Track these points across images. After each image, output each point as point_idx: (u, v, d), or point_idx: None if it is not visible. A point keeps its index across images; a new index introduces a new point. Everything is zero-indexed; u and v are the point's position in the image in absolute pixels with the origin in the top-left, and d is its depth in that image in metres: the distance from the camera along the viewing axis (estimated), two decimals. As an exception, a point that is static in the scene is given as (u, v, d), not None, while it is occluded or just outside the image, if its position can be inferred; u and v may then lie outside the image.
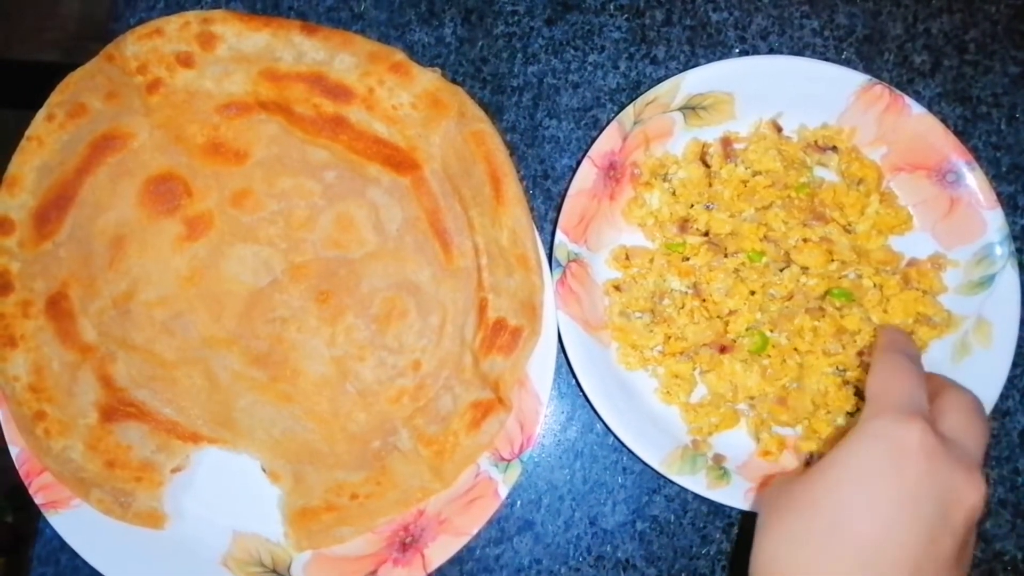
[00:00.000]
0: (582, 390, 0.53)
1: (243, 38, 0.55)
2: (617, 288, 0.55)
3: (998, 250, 0.53)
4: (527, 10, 0.61)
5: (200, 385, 0.54)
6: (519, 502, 0.56)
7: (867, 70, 0.58)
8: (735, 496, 0.51)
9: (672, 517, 0.56)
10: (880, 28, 0.61)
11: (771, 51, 0.60)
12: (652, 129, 0.56)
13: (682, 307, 0.54)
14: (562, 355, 0.53)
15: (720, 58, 0.58)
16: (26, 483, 0.53)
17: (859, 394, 0.52)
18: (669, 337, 0.54)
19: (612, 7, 0.61)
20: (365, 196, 0.55)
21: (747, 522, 0.56)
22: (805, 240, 0.53)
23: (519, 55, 0.61)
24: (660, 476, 0.53)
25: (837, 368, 0.53)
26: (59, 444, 0.52)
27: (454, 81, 0.56)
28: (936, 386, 0.44)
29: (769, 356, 0.53)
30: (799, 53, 0.60)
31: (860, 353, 0.52)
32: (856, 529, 0.38)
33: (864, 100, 0.55)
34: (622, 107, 0.56)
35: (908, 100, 0.54)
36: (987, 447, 0.41)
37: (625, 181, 0.56)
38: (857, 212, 0.54)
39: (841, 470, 0.39)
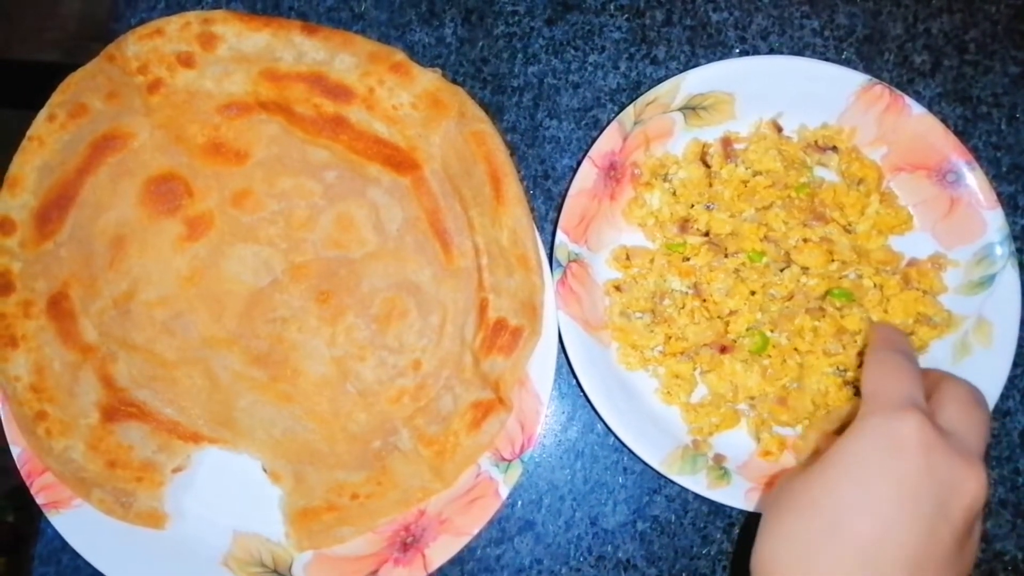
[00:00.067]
0: (583, 390, 0.53)
1: (243, 38, 0.55)
2: (617, 288, 0.55)
3: (998, 250, 0.53)
4: (527, 10, 0.61)
5: (201, 385, 0.54)
6: (520, 502, 0.56)
7: (867, 70, 0.58)
8: (736, 496, 0.51)
9: (673, 517, 0.56)
10: (880, 28, 0.61)
11: (771, 51, 0.60)
12: (652, 129, 0.56)
13: (682, 307, 0.54)
14: (562, 355, 0.53)
15: (720, 58, 0.58)
16: (27, 483, 0.53)
17: (859, 394, 0.52)
18: (669, 337, 0.54)
19: (612, 7, 0.61)
20: (365, 196, 0.55)
21: (748, 522, 0.56)
22: (805, 240, 0.53)
23: (519, 55, 0.61)
24: (661, 476, 0.53)
25: (837, 368, 0.53)
26: (60, 444, 0.52)
27: (454, 81, 0.56)
28: (934, 380, 0.44)
29: (769, 356, 0.53)
30: (799, 53, 0.60)
31: (860, 353, 0.52)
32: (855, 529, 0.38)
33: (864, 100, 0.55)
34: (622, 107, 0.56)
35: (908, 100, 0.54)
36: (988, 437, 0.41)
37: (625, 181, 0.56)
38: (857, 212, 0.54)
39: (839, 468, 0.39)
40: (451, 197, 0.54)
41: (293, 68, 0.54)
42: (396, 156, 0.54)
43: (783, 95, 0.56)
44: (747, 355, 0.53)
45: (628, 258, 0.56)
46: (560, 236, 0.54)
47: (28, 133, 0.54)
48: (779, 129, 0.57)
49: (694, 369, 0.54)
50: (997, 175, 0.59)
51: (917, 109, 0.54)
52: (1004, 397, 0.56)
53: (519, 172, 0.55)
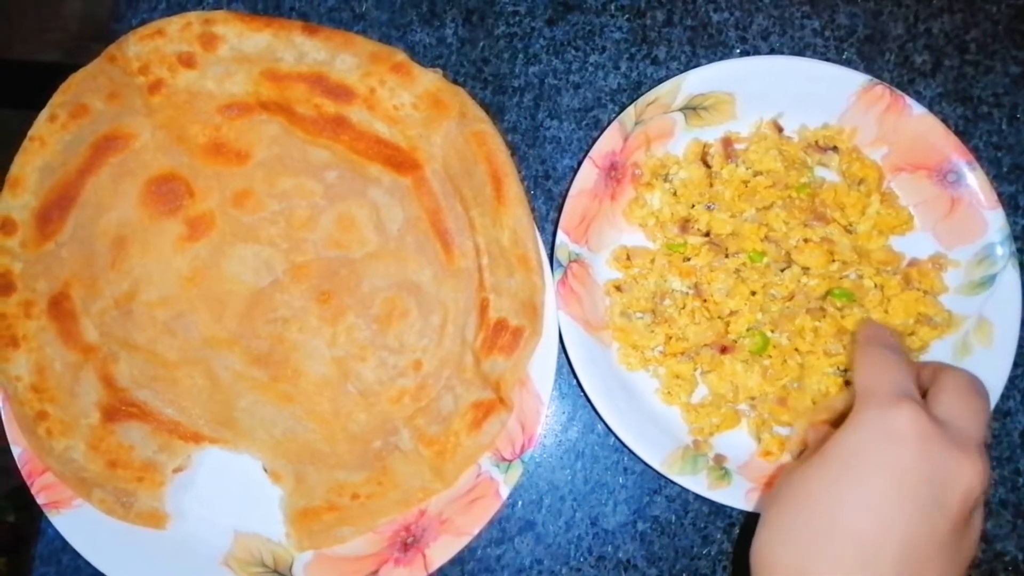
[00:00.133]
0: (583, 390, 0.53)
1: (244, 39, 0.55)
2: (618, 288, 0.55)
3: (999, 250, 0.53)
4: (528, 11, 0.61)
5: (201, 385, 0.54)
6: (520, 502, 0.56)
7: (868, 70, 0.58)
8: (736, 496, 0.51)
9: (673, 517, 0.56)
10: (881, 28, 0.61)
11: (772, 51, 0.60)
12: (653, 129, 0.56)
13: (683, 307, 0.54)
14: (563, 355, 0.53)
15: (721, 58, 0.58)
16: (28, 483, 0.53)
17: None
18: (670, 337, 0.54)
19: (613, 8, 0.61)
20: (366, 196, 0.55)
21: (748, 522, 0.56)
22: (806, 240, 0.53)
23: (520, 56, 0.61)
24: (661, 476, 0.53)
25: (838, 368, 0.53)
26: (61, 444, 0.52)
27: (455, 81, 0.56)
28: (933, 371, 0.44)
29: (770, 356, 0.53)
30: (800, 53, 0.60)
31: None
32: (852, 521, 0.38)
33: (865, 100, 0.55)
34: (623, 107, 0.56)
35: (909, 100, 0.54)
36: (988, 424, 0.41)
37: (626, 181, 0.56)
38: (858, 212, 0.54)
39: (836, 461, 0.39)
40: (452, 197, 0.54)
41: (294, 68, 0.54)
42: (397, 156, 0.55)
43: (784, 95, 0.56)
44: (748, 355, 0.53)
45: (629, 258, 0.56)
46: (561, 236, 0.54)
47: (29, 133, 0.54)
48: (780, 129, 0.57)
49: (695, 369, 0.54)
50: (998, 175, 0.59)
51: (918, 109, 0.54)
52: (1004, 397, 0.56)
53: (520, 172, 0.55)
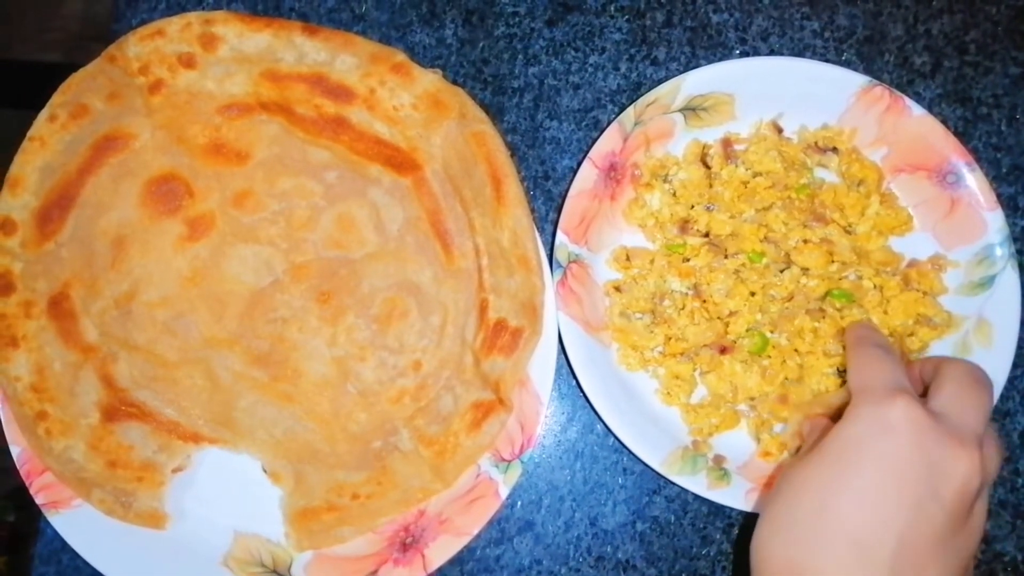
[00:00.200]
0: (583, 391, 0.53)
1: (244, 39, 0.55)
2: (618, 289, 0.55)
3: (998, 251, 0.53)
4: (528, 11, 0.61)
5: (201, 385, 0.54)
6: (520, 502, 0.56)
7: (867, 71, 0.58)
8: (735, 497, 0.51)
9: (672, 518, 0.56)
10: (880, 29, 0.61)
11: (772, 52, 0.61)
12: (653, 130, 0.56)
13: (682, 308, 0.54)
14: (563, 356, 0.53)
15: (721, 59, 0.58)
16: (27, 483, 0.53)
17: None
18: (669, 338, 0.54)
19: (613, 8, 0.61)
20: (366, 196, 0.55)
21: (748, 522, 0.56)
22: (805, 241, 0.53)
23: (520, 56, 0.61)
24: (660, 477, 0.53)
25: (837, 369, 0.53)
26: (60, 444, 0.52)
27: (455, 82, 0.56)
28: (934, 365, 0.44)
29: (769, 357, 0.53)
30: (799, 54, 0.60)
31: None
32: (844, 511, 0.38)
33: (864, 101, 0.55)
34: (623, 108, 0.56)
35: (908, 101, 0.54)
36: (988, 414, 0.41)
37: (626, 182, 0.56)
38: (857, 213, 0.54)
39: (831, 454, 0.40)
40: (452, 198, 0.54)
41: (294, 69, 0.54)
42: (397, 157, 0.55)
43: (783, 96, 0.56)
44: (747, 356, 0.53)
45: (628, 259, 0.56)
46: (560, 237, 0.54)
47: (29, 134, 0.54)
48: (779, 130, 0.57)
49: (694, 370, 0.54)
50: (997, 176, 0.59)
51: (917, 110, 0.54)
52: (1004, 398, 0.56)
53: (519, 173, 0.55)
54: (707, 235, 0.55)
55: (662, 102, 0.55)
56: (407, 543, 0.53)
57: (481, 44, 0.61)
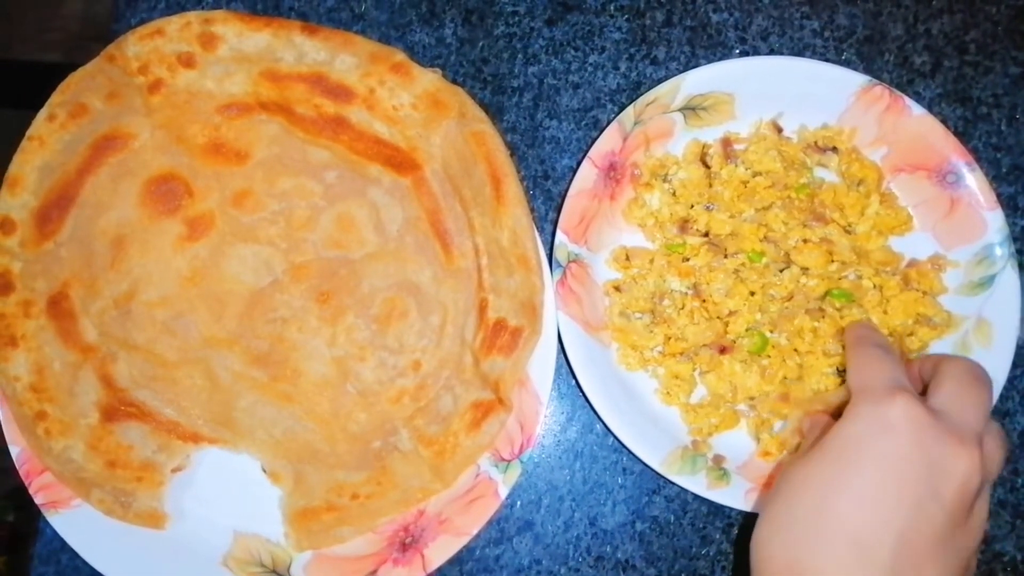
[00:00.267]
0: (582, 391, 0.53)
1: (244, 38, 0.55)
2: (617, 289, 0.55)
3: (998, 251, 0.53)
4: (528, 11, 0.61)
5: (201, 385, 0.54)
6: (519, 502, 0.56)
7: (867, 71, 0.58)
8: (735, 497, 0.51)
9: (672, 518, 0.56)
10: (880, 29, 0.61)
11: (771, 52, 0.60)
12: (652, 130, 0.56)
13: (682, 308, 0.54)
14: (562, 356, 0.53)
15: (720, 59, 0.58)
16: (26, 483, 0.53)
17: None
18: (669, 338, 0.54)
19: (612, 8, 0.61)
20: (366, 196, 0.55)
21: (748, 523, 0.56)
22: (805, 241, 0.53)
23: (519, 56, 0.61)
24: (660, 477, 0.53)
25: (836, 369, 0.53)
26: (60, 444, 0.52)
27: (454, 82, 0.56)
28: (933, 363, 0.44)
29: (769, 357, 0.53)
30: (799, 54, 0.60)
31: None
32: (842, 509, 0.38)
33: (864, 101, 0.55)
34: (622, 108, 0.56)
35: (908, 101, 0.54)
36: (988, 411, 0.41)
37: (625, 182, 0.56)
38: (857, 213, 0.54)
39: (830, 453, 0.40)
40: (451, 197, 0.54)
41: (294, 68, 0.54)
42: (396, 156, 0.55)
43: (783, 96, 0.56)
44: (746, 356, 0.53)
45: (628, 258, 0.56)
46: (560, 236, 0.54)
47: (28, 133, 0.54)
48: (779, 130, 0.57)
49: (693, 370, 0.54)
50: (997, 176, 0.59)
51: (917, 110, 0.54)
52: (1004, 398, 0.56)
53: (519, 172, 0.55)
54: (707, 235, 0.55)
55: (662, 101, 0.55)
56: (407, 543, 0.53)
57: (481, 43, 0.61)
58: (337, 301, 0.54)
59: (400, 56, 0.54)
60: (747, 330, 0.53)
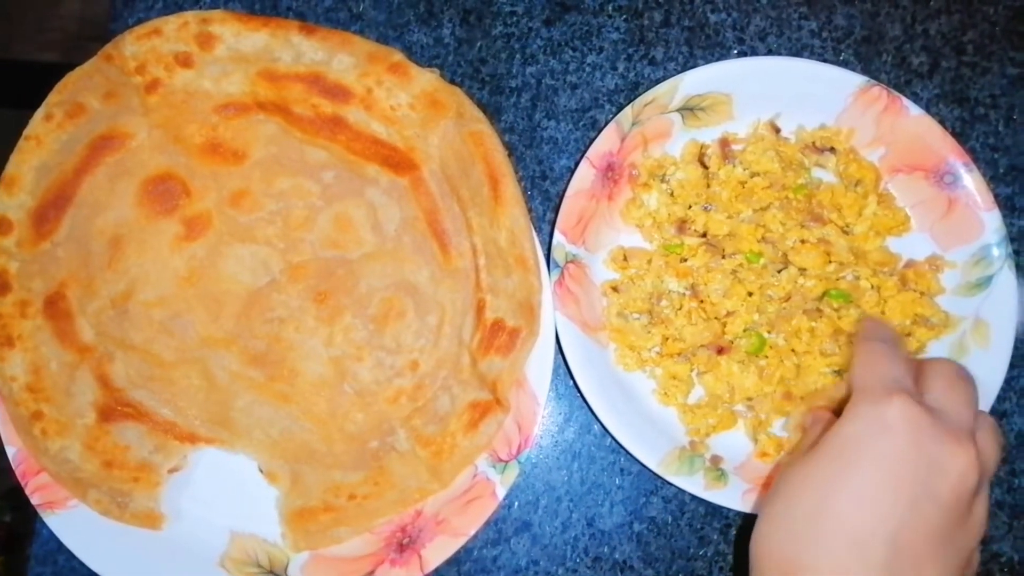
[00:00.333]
0: (580, 391, 0.53)
1: (241, 38, 0.55)
2: (615, 289, 0.55)
3: (995, 251, 0.53)
4: (525, 11, 0.61)
5: (198, 385, 0.54)
6: (517, 503, 0.56)
7: (865, 71, 0.58)
8: (733, 497, 0.51)
9: (670, 518, 0.56)
10: (878, 29, 0.61)
11: (769, 52, 0.61)
12: (650, 130, 0.56)
13: (680, 308, 0.54)
14: (560, 356, 0.53)
15: (718, 59, 0.58)
16: (23, 483, 0.53)
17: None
18: (667, 338, 0.54)
19: (610, 8, 0.61)
20: (363, 196, 0.55)
21: (747, 523, 0.56)
22: (803, 241, 0.53)
23: (517, 56, 0.61)
24: (658, 477, 0.53)
25: (833, 369, 0.53)
26: (56, 444, 0.52)
27: (452, 82, 0.56)
28: (916, 366, 0.44)
29: (766, 357, 0.53)
30: (797, 54, 0.60)
31: None
32: (839, 508, 0.38)
33: (862, 101, 0.55)
34: (620, 108, 0.56)
35: (906, 101, 0.54)
36: (976, 408, 0.41)
37: (623, 182, 0.56)
38: (855, 213, 0.54)
39: (828, 453, 0.40)
40: (449, 197, 0.54)
41: (291, 68, 0.54)
42: (394, 156, 0.54)
43: (781, 96, 0.56)
44: (744, 356, 0.53)
45: (626, 259, 0.56)
46: (558, 237, 0.54)
47: (25, 132, 0.54)
48: (777, 130, 0.57)
49: (691, 370, 0.54)
50: (994, 176, 0.59)
51: (915, 110, 0.54)
52: (1001, 398, 0.56)
53: (517, 173, 0.55)
54: (704, 235, 0.55)
55: (660, 102, 0.55)
56: (404, 543, 0.53)
57: (479, 44, 0.61)
58: (334, 301, 0.54)
59: (398, 56, 0.54)
60: (745, 331, 0.53)
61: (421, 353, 0.54)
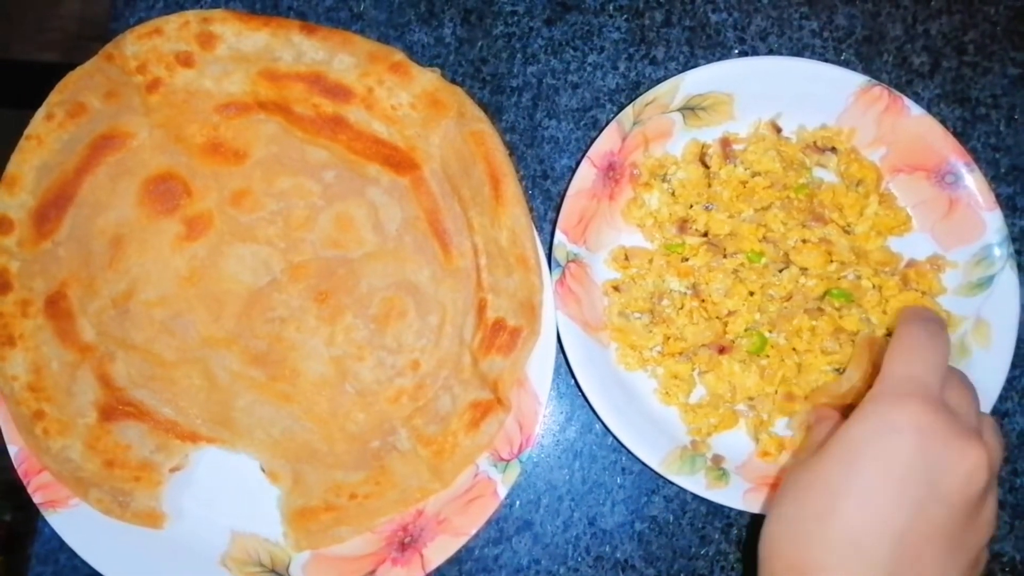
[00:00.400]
0: (581, 390, 0.53)
1: (242, 38, 0.55)
2: (616, 288, 0.55)
3: (997, 251, 0.53)
4: (526, 10, 0.61)
5: (199, 385, 0.54)
6: (518, 502, 0.56)
7: (866, 71, 0.58)
8: (734, 497, 0.51)
9: (671, 518, 0.56)
10: (879, 29, 0.61)
11: (770, 52, 0.61)
12: (651, 130, 0.56)
13: (681, 308, 0.54)
14: (561, 355, 0.53)
15: (719, 59, 0.58)
16: (25, 482, 0.53)
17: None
18: (668, 338, 0.54)
19: (611, 8, 0.61)
20: (364, 196, 0.55)
21: (755, 524, 0.56)
22: (804, 241, 0.53)
23: (518, 55, 0.61)
24: (659, 476, 0.53)
25: (835, 368, 0.53)
26: (58, 443, 0.52)
27: (453, 81, 0.56)
28: None
29: (768, 356, 0.53)
30: (798, 54, 0.60)
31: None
32: (846, 511, 0.38)
33: (863, 101, 0.55)
34: (621, 107, 0.56)
35: (907, 101, 0.54)
36: (978, 410, 0.41)
37: (624, 181, 0.56)
38: (856, 213, 0.54)
39: (835, 454, 0.40)
40: (450, 197, 0.54)
41: (292, 68, 0.54)
42: (395, 156, 0.54)
43: (782, 96, 0.56)
44: (745, 355, 0.53)
45: (627, 258, 0.56)
46: (559, 236, 0.54)
47: (26, 132, 0.54)
48: (778, 130, 0.57)
49: (692, 369, 0.54)
50: (996, 176, 0.59)
51: (916, 110, 0.54)
52: (1002, 398, 0.56)
53: (518, 172, 0.55)
54: (706, 235, 0.55)
55: (661, 101, 0.55)
56: (405, 543, 0.53)
57: (480, 43, 0.61)
58: (335, 301, 0.54)
59: (399, 56, 0.54)
60: (746, 330, 0.53)
61: (422, 353, 0.54)
